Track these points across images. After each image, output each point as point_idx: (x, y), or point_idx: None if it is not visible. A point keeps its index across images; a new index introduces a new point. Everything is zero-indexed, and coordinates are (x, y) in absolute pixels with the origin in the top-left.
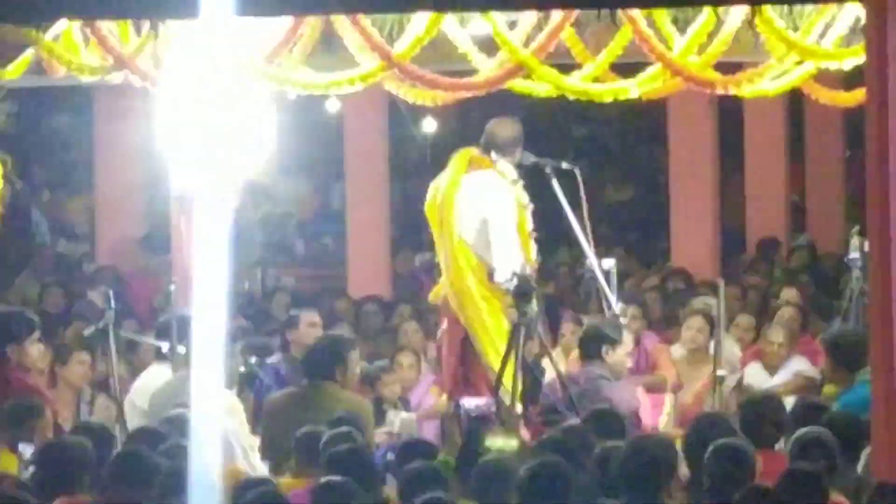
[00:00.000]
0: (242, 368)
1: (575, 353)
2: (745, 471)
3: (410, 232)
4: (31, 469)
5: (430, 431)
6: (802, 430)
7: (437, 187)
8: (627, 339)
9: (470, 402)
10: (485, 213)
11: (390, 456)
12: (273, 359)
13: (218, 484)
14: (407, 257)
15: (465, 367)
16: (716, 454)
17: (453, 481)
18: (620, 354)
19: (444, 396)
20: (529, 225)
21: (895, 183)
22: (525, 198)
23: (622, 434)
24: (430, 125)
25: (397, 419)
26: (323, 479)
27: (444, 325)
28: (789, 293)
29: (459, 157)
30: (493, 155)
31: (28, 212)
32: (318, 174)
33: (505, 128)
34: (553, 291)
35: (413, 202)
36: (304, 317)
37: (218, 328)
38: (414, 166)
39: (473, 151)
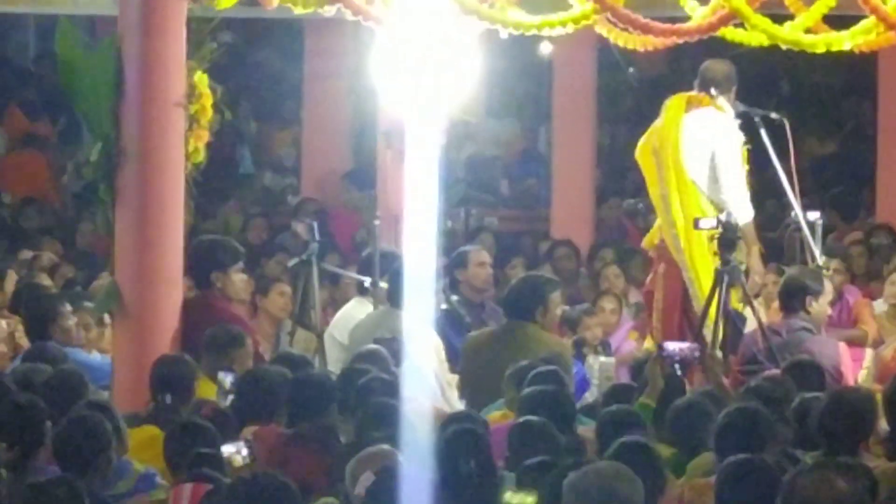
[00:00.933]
0: (444, 306)
1: (776, 303)
2: None
3: (616, 178)
4: (231, 397)
5: (627, 376)
6: None
7: (653, 130)
8: (829, 289)
9: (673, 346)
10: (713, 148)
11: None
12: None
13: (428, 418)
14: (611, 203)
15: (681, 311)
16: None
17: (652, 426)
18: (823, 304)
19: (649, 340)
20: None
21: None
22: (742, 136)
23: (822, 387)
24: (641, 71)
25: (597, 363)
26: (521, 419)
27: (661, 269)
28: None
29: (675, 100)
30: (713, 91)
31: (234, 142)
32: (525, 116)
33: (720, 66)
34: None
35: (620, 148)
36: (474, 255)
37: (426, 265)
38: (623, 112)
39: (690, 94)
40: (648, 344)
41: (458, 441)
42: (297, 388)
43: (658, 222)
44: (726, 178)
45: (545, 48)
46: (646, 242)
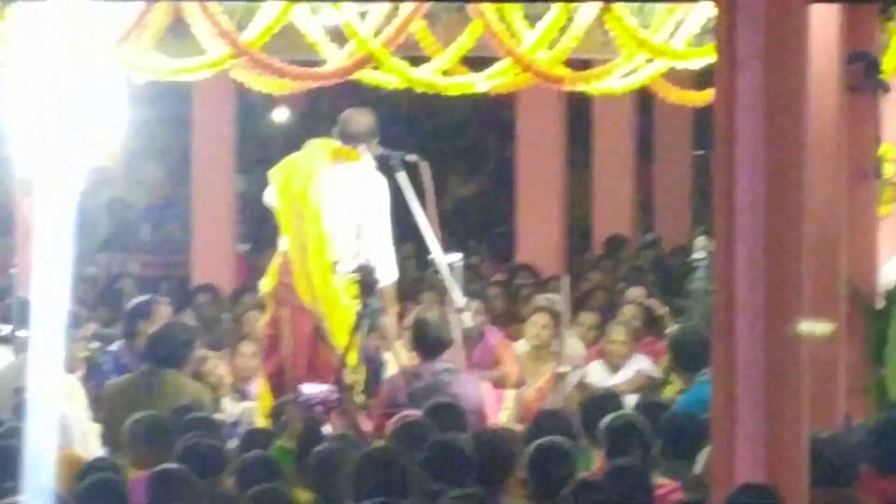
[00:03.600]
0: (84, 353)
1: None
2: (566, 468)
3: (257, 221)
4: None
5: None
6: (611, 417)
7: (291, 174)
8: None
9: (311, 389)
10: (359, 206)
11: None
12: (114, 346)
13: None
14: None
15: (312, 355)
16: (537, 452)
17: (292, 469)
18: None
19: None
20: None
21: (741, 185)
22: (387, 191)
23: (463, 427)
24: (280, 115)
25: (237, 408)
26: (161, 467)
27: (286, 313)
28: (635, 292)
29: (317, 148)
30: (359, 146)
31: None
32: (168, 161)
33: (361, 118)
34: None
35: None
36: (159, 309)
37: (58, 312)
38: (264, 155)
39: (334, 144)
40: (263, 388)
41: (95, 490)
42: None
43: (275, 265)
44: (372, 239)
45: (183, 92)
46: (263, 285)
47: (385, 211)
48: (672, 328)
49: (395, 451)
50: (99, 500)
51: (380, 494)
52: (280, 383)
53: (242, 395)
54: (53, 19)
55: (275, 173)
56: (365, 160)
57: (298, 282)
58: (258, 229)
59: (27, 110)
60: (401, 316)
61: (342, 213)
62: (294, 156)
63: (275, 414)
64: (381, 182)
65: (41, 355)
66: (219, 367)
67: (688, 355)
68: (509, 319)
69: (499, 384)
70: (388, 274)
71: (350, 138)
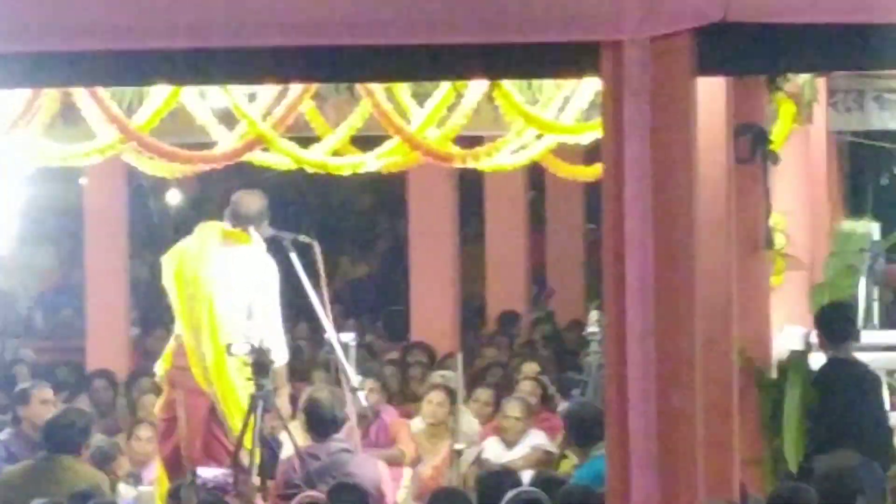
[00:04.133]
0: None
1: None
2: None
3: (151, 305)
4: None
5: None
6: (511, 493)
7: (184, 259)
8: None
9: (207, 472)
10: (250, 289)
11: None
12: (3, 435)
13: None
14: (157, 334)
15: (206, 438)
16: None
17: None
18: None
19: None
20: None
21: (630, 259)
22: (277, 272)
23: None
24: (173, 197)
25: (132, 492)
26: None
27: (180, 395)
28: (529, 367)
29: (208, 231)
30: (249, 229)
31: None
32: (61, 246)
33: (253, 201)
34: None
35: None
36: (37, 393)
37: None
38: (157, 238)
39: (224, 226)
40: (160, 472)
41: None
42: None
43: (169, 349)
44: (264, 321)
45: (76, 177)
46: (158, 368)
47: (275, 293)
48: (566, 403)
49: None
50: None
51: None
52: (176, 466)
53: (138, 480)
54: None
55: (167, 258)
56: (255, 242)
57: (193, 365)
58: (150, 313)
59: None
60: (294, 397)
61: (233, 294)
62: (185, 240)
63: (172, 497)
64: (271, 264)
65: None
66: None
67: (583, 430)
68: (404, 398)
69: (395, 462)
70: (279, 355)
71: (240, 221)
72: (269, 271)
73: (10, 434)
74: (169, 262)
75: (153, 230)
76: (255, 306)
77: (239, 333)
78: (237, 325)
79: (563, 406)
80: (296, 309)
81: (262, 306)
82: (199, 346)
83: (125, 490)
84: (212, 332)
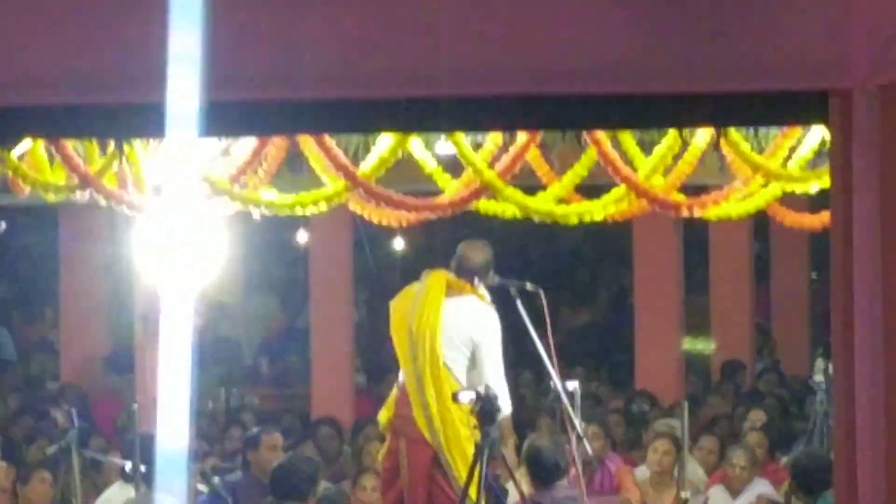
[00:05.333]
0: (204, 487)
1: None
2: None
3: (375, 352)
4: None
5: None
6: None
7: (408, 309)
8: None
9: None
10: (475, 340)
11: None
12: (233, 477)
13: None
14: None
15: (430, 487)
16: None
17: None
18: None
19: None
20: None
21: (859, 307)
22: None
23: None
24: (398, 244)
25: None
26: None
27: (402, 445)
28: (756, 415)
29: (435, 280)
30: (475, 280)
31: None
32: (285, 294)
33: (478, 252)
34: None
35: (377, 322)
36: (266, 438)
37: (180, 447)
38: (382, 286)
39: (449, 276)
40: None
41: None
42: None
43: (392, 397)
44: (487, 372)
45: (300, 225)
46: (381, 417)
47: (497, 343)
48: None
49: None
50: None
51: None
52: None
53: None
54: (170, 157)
55: (394, 304)
56: (481, 293)
57: (416, 413)
58: (375, 360)
59: (148, 248)
60: (519, 446)
61: (456, 344)
62: (412, 286)
63: None
64: (494, 315)
65: (165, 490)
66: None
67: (809, 479)
68: (629, 446)
69: None
70: (504, 405)
71: (465, 272)
72: (492, 322)
73: (240, 478)
74: (395, 308)
75: (378, 278)
76: (478, 357)
77: (462, 382)
78: (459, 374)
79: (787, 456)
80: (520, 357)
81: (485, 357)
82: (422, 394)
83: None
84: (435, 379)
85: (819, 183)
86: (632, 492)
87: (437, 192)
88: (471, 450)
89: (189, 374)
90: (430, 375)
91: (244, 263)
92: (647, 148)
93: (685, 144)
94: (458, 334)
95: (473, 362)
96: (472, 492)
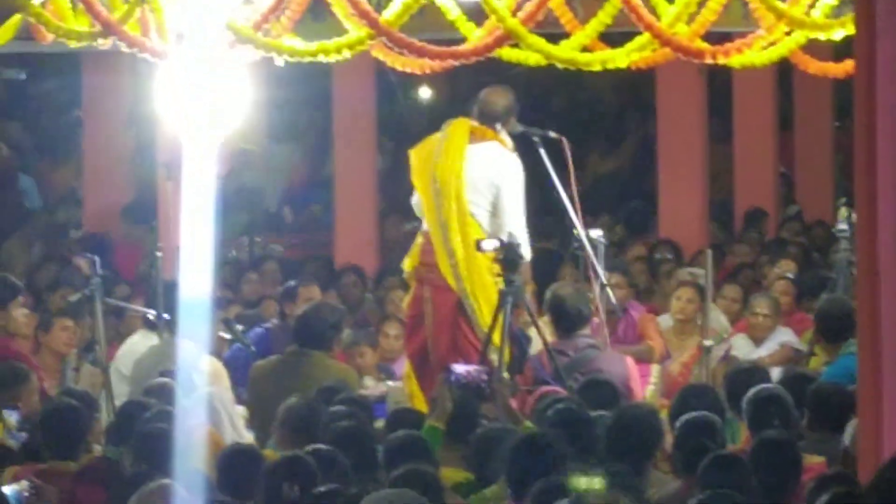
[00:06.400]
0: (228, 335)
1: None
2: (714, 442)
3: (400, 200)
4: (23, 434)
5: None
6: (756, 389)
7: (431, 155)
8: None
9: (461, 369)
10: (498, 186)
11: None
12: (264, 327)
13: (202, 448)
14: (396, 225)
15: (454, 334)
16: (685, 426)
17: (442, 449)
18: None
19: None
20: None
21: (883, 154)
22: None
23: (615, 404)
24: (422, 93)
25: (380, 388)
26: (311, 447)
27: (427, 292)
28: (786, 264)
29: (457, 127)
30: (497, 126)
31: (15, 176)
32: (308, 143)
33: (500, 97)
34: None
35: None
36: (304, 291)
37: (204, 295)
38: (404, 134)
39: (472, 122)
40: (407, 368)
41: (235, 472)
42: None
43: (417, 244)
44: (509, 219)
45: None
46: (406, 265)
47: (520, 190)
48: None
49: (553, 435)
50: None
51: (535, 477)
52: (423, 363)
53: (390, 374)
54: (194, 4)
55: (414, 153)
56: (503, 138)
57: (440, 261)
58: (396, 207)
59: (171, 96)
60: (538, 294)
61: (479, 189)
62: (433, 136)
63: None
64: (516, 162)
65: (188, 338)
66: (367, 349)
67: (833, 327)
68: (651, 294)
69: (643, 359)
70: (524, 252)
71: (487, 118)
72: (514, 169)
73: (276, 326)
74: (415, 157)
75: (402, 127)
76: (500, 204)
77: (484, 229)
78: (482, 220)
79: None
80: (543, 205)
81: (507, 204)
82: (446, 241)
83: (370, 382)
84: (461, 226)
85: (844, 30)
86: (655, 340)
87: (461, 40)
88: (495, 297)
89: (211, 222)
90: (457, 222)
91: (267, 111)
92: None
93: None
94: (482, 180)
95: (496, 209)
96: (496, 338)
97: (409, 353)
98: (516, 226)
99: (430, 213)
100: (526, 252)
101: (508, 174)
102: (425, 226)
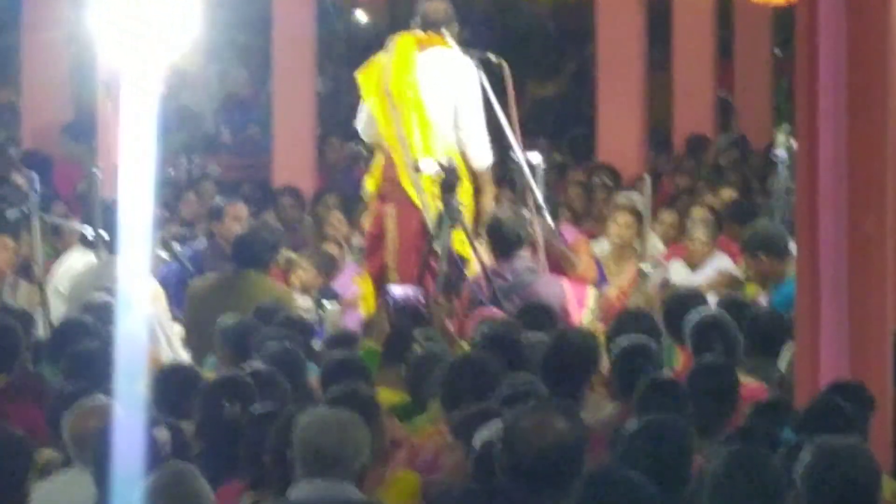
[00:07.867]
0: (165, 254)
1: None
2: (652, 366)
3: (340, 123)
4: None
5: (353, 320)
6: (697, 314)
7: (381, 72)
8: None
9: (398, 291)
10: (454, 91)
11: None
12: (195, 245)
13: (139, 367)
14: (335, 147)
15: (421, 249)
16: (623, 350)
17: (378, 370)
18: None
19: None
20: None
21: (823, 81)
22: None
23: (553, 327)
24: (361, 16)
25: (306, 304)
26: (248, 367)
27: (391, 209)
28: (727, 193)
29: (403, 40)
30: (443, 30)
31: None
32: (249, 65)
33: (439, 4)
34: None
35: (343, 93)
36: (230, 209)
37: (143, 214)
38: (343, 57)
39: (418, 33)
40: (366, 289)
41: (172, 392)
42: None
43: (378, 162)
44: (468, 122)
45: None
46: (368, 185)
47: (477, 93)
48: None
49: (488, 357)
50: (178, 402)
51: (471, 399)
52: (384, 283)
53: (331, 296)
54: None
55: (362, 74)
56: (448, 42)
57: (401, 176)
58: (335, 130)
59: (111, 14)
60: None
61: (439, 97)
62: (378, 55)
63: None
64: (469, 64)
65: (128, 256)
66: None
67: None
68: (589, 218)
69: (567, 267)
70: (485, 156)
71: (431, 24)
72: (469, 71)
73: (204, 247)
74: (365, 77)
75: (340, 48)
76: (460, 107)
77: (447, 140)
78: (445, 130)
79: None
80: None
81: (467, 106)
82: (408, 155)
83: (303, 302)
84: (423, 137)
85: None
86: (585, 262)
87: None
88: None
89: (150, 141)
90: (419, 132)
91: (207, 32)
92: None
93: None
94: (437, 87)
95: (455, 115)
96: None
97: (369, 272)
98: (477, 131)
99: (388, 128)
100: (488, 156)
101: (462, 79)
102: (384, 144)
